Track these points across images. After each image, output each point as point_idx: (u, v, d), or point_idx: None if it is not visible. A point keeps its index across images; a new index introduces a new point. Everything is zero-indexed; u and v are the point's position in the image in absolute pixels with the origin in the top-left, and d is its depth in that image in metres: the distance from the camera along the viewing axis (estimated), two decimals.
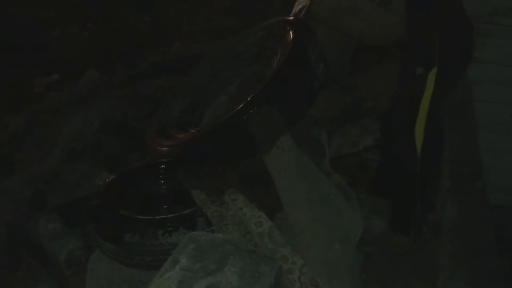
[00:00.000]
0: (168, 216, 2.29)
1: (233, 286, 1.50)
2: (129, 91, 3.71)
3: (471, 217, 2.43)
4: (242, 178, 2.41)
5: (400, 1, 2.47)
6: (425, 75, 2.44)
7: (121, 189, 2.51)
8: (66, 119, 3.29)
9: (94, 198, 2.50)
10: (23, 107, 3.71)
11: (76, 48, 4.41)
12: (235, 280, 1.51)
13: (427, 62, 2.44)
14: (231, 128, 2.36)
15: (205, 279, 1.50)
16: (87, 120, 3.21)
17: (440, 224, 2.56)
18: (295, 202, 2.22)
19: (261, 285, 1.54)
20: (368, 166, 3.04)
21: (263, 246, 2.07)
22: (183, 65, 3.49)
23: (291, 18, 2.79)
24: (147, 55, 4.26)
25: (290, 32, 2.62)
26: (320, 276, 2.02)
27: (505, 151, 3.73)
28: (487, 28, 3.53)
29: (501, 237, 2.43)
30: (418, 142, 2.47)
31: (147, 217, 2.29)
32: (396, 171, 2.68)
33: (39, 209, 2.76)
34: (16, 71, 4.11)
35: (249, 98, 2.36)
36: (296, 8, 2.69)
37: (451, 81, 2.62)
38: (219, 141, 2.37)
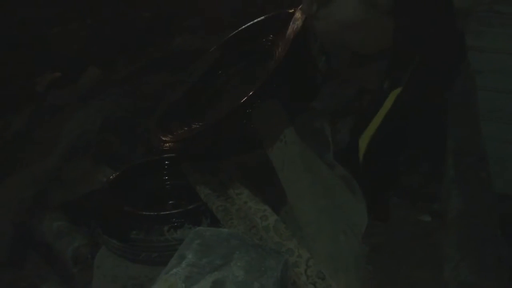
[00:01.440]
0: (173, 211, 2.29)
1: (240, 280, 1.50)
2: (131, 87, 3.72)
3: (476, 207, 2.41)
4: (246, 172, 2.41)
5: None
6: (389, 91, 2.41)
7: (125, 186, 2.52)
8: (68, 117, 3.30)
9: (99, 195, 2.51)
10: (25, 105, 3.72)
11: (77, 45, 4.41)
12: (242, 274, 1.52)
13: (394, 79, 2.41)
14: (233, 122, 2.36)
15: (211, 275, 1.50)
16: (89, 117, 3.22)
17: (444, 214, 2.56)
18: (300, 195, 2.22)
19: (267, 279, 1.55)
20: None
21: (268, 240, 2.07)
22: (184, 60, 3.48)
23: (292, 11, 2.79)
24: (148, 50, 4.27)
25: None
26: (327, 269, 2.02)
27: (509, 140, 3.72)
28: (487, 16, 3.51)
29: (507, 226, 2.42)
30: (360, 151, 2.50)
31: (152, 213, 2.30)
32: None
33: (43, 207, 2.77)
34: (17, 69, 4.11)
35: (250, 92, 2.36)
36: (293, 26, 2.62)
37: (434, 93, 2.56)
38: (222, 135, 2.37)
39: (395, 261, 2.46)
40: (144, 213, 2.31)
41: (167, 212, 2.30)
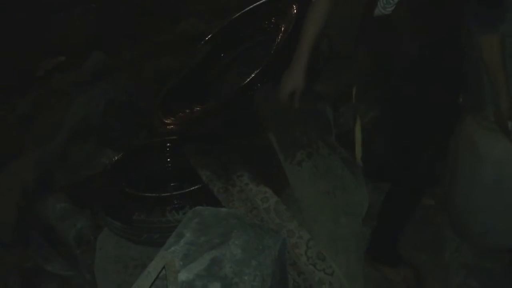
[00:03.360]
0: (175, 193, 2.29)
1: (237, 259, 1.50)
2: (135, 72, 3.72)
3: None
4: (248, 154, 2.41)
5: None
6: None
7: (128, 168, 2.53)
8: (73, 100, 3.30)
9: (102, 177, 2.52)
10: (30, 89, 3.73)
11: (82, 29, 4.42)
12: (239, 253, 1.51)
13: None
14: (235, 105, 2.35)
15: (209, 253, 1.50)
16: (93, 101, 3.22)
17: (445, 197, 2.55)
18: (301, 177, 2.22)
19: (265, 258, 1.55)
20: None
21: (269, 221, 2.07)
22: (189, 44, 3.48)
23: None
24: (152, 35, 4.26)
25: (293, 7, 2.60)
26: (327, 250, 2.02)
27: None
28: None
29: None
30: None
31: (154, 194, 2.31)
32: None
33: (47, 189, 2.78)
34: (23, 53, 4.12)
35: (252, 75, 2.36)
36: None
37: None
38: (223, 118, 2.37)
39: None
40: (146, 194, 2.32)
41: (169, 194, 2.30)
